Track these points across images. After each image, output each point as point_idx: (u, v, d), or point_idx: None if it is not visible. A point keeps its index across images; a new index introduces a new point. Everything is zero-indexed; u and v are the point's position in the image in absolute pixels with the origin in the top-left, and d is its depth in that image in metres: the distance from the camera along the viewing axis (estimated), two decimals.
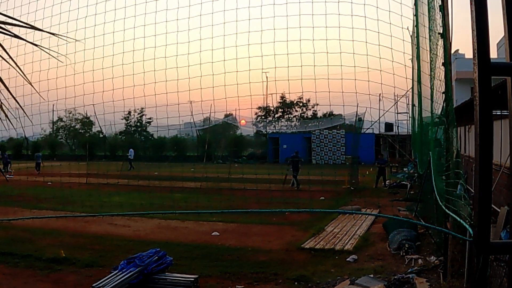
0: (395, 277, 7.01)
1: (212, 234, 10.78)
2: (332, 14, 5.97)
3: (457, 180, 4.51)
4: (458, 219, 2.93)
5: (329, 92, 6.17)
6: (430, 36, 5.94)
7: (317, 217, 12.43)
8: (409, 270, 7.41)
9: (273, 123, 51.05)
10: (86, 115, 52.63)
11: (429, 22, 5.88)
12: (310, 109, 52.03)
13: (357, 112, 23.59)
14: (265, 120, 50.54)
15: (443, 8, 5.01)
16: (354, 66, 5.89)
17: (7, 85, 2.67)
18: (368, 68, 5.91)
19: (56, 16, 6.91)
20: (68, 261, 8.26)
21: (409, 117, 22.34)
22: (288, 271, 7.73)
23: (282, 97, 49.10)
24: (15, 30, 2.68)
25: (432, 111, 6.10)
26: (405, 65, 6.13)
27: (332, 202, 16.20)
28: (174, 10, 6.77)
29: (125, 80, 6.91)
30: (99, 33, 6.95)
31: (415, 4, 8.15)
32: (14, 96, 2.92)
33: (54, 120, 53.75)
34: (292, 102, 51.22)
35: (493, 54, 4.75)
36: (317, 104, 49.10)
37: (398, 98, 25.42)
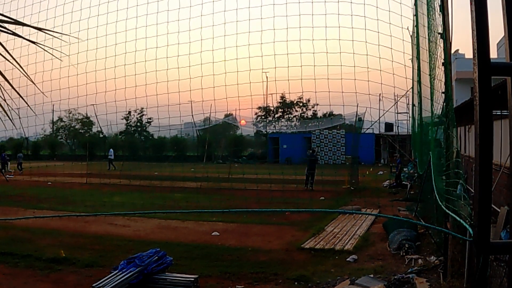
0: (395, 277, 7.00)
1: (212, 234, 10.78)
2: (332, 14, 5.99)
3: (457, 180, 4.51)
4: (458, 219, 2.93)
5: (329, 92, 6.20)
6: (429, 35, 5.95)
7: (317, 217, 12.43)
8: (409, 270, 7.41)
9: (273, 123, 51.03)
10: (86, 115, 52.69)
11: (428, 20, 5.88)
12: (310, 109, 52.06)
13: (357, 112, 23.61)
14: (265, 120, 50.51)
15: (443, 8, 5.02)
16: (354, 66, 5.91)
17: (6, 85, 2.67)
18: (368, 68, 5.93)
19: (59, 17, 6.95)
20: (68, 261, 8.26)
21: (409, 117, 22.32)
22: (288, 271, 7.72)
23: (282, 97, 49.12)
24: (16, 30, 2.68)
25: (432, 111, 6.11)
26: (405, 65, 6.15)
27: (332, 202, 16.20)
28: (175, 11, 6.80)
29: (127, 80, 6.94)
30: (101, 34, 6.99)
31: (415, 4, 8.16)
32: (15, 96, 2.93)
33: (54, 120, 53.80)
34: (292, 102, 51.22)
35: (493, 54, 4.75)
36: (317, 104, 49.15)
37: (398, 98, 25.39)
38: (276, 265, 8.15)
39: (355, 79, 6.08)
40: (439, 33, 5.15)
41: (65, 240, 9.97)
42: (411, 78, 12.13)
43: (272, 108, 50.51)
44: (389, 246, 9.11)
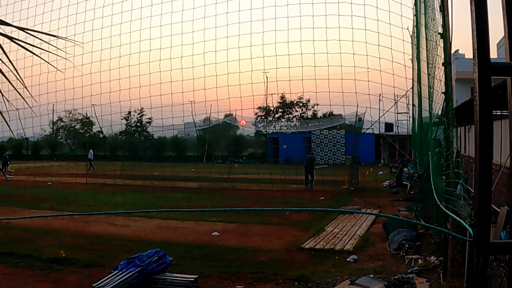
0: (395, 277, 7.00)
1: (212, 234, 10.78)
2: (332, 15, 6.00)
3: (457, 180, 4.51)
4: (458, 219, 2.93)
5: (329, 92, 6.21)
6: (426, 35, 5.95)
7: (317, 217, 12.43)
8: (409, 270, 7.41)
9: (273, 123, 51.00)
10: (86, 115, 52.65)
11: (425, 20, 5.89)
12: (310, 109, 52.06)
13: (357, 112, 23.59)
14: (265, 120, 50.50)
15: (443, 8, 5.02)
16: (354, 66, 5.92)
17: (7, 87, 2.68)
18: (368, 68, 5.94)
19: (63, 18, 6.98)
20: (68, 261, 8.26)
21: (409, 117, 22.32)
22: (288, 271, 7.72)
23: (282, 97, 49.11)
24: (14, 32, 2.68)
25: (432, 111, 6.11)
26: (405, 65, 6.15)
27: (332, 202, 16.20)
28: (179, 13, 6.84)
29: (131, 81, 6.98)
30: (106, 36, 7.03)
31: (415, 4, 8.16)
32: (15, 98, 2.93)
33: (54, 120, 53.79)
34: (292, 102, 51.22)
35: (493, 54, 4.76)
36: (317, 104, 49.15)
37: (398, 98, 25.36)
38: (276, 265, 8.15)
39: (355, 79, 6.10)
40: (439, 33, 5.15)
41: (65, 240, 9.96)
42: (411, 78, 12.13)
43: (272, 108, 50.53)
44: (389, 246, 9.11)
